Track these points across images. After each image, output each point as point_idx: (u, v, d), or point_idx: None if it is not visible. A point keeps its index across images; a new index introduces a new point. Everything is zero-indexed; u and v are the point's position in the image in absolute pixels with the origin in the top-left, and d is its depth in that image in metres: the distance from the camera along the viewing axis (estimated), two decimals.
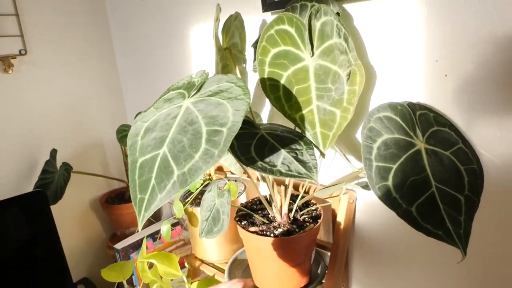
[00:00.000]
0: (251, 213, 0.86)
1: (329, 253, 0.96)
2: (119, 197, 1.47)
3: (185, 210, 1.03)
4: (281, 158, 0.67)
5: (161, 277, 0.98)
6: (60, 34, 1.33)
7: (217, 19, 0.78)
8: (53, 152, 1.26)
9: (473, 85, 0.65)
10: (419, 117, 0.63)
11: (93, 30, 1.41)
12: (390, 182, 0.57)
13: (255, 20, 0.93)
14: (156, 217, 1.53)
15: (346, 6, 0.77)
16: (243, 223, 0.84)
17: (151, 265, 0.98)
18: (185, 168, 0.51)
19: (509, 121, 0.62)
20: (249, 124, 0.70)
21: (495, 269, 0.70)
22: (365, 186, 0.79)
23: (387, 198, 0.56)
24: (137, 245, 1.29)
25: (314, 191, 0.90)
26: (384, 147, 0.59)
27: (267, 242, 0.78)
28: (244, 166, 0.77)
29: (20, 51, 1.24)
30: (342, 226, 0.84)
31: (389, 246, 0.85)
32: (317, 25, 0.66)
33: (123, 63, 1.47)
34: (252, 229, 0.82)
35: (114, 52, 1.47)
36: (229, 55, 0.80)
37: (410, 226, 0.55)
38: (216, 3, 0.75)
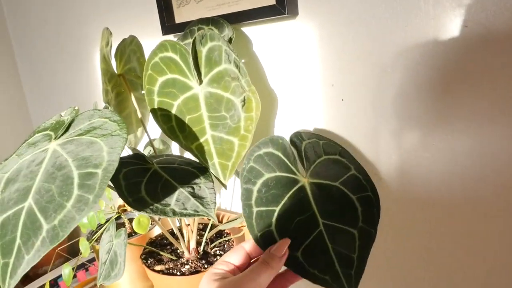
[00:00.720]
0: (155, 250, 0.80)
1: None
2: None
3: (93, 248, 0.94)
4: (176, 195, 0.62)
5: None
6: None
7: (108, 44, 0.72)
8: None
9: (368, 109, 0.64)
10: (305, 148, 0.60)
11: None
12: (273, 227, 0.53)
13: (155, 43, 0.88)
14: (74, 252, 1.41)
15: (244, 29, 0.75)
16: (149, 262, 0.78)
17: None
18: (56, 220, 0.45)
19: (403, 143, 0.62)
20: (140, 159, 0.64)
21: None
22: None
23: (270, 244, 0.52)
24: (50, 286, 1.17)
25: (227, 219, 0.86)
26: (265, 189, 0.55)
27: (173, 281, 0.73)
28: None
29: None
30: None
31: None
32: (203, 51, 0.62)
33: (29, 85, 1.35)
34: (158, 267, 0.75)
35: (19, 74, 1.35)
36: (124, 81, 0.74)
37: (296, 273, 0.51)
38: (104, 27, 0.69)
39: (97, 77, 1.10)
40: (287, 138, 0.59)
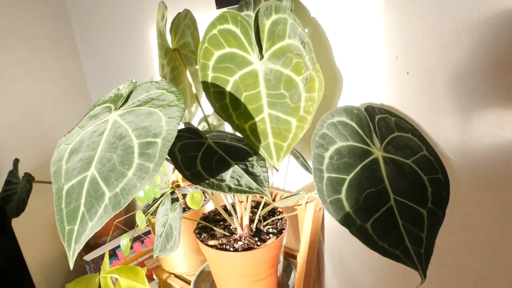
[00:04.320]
0: (209, 226, 0.80)
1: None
2: None
3: (149, 221, 0.97)
4: (230, 171, 0.61)
5: None
6: (21, 38, 1.26)
7: (163, 18, 0.72)
8: (15, 162, 1.20)
9: (435, 84, 0.59)
10: (378, 122, 0.57)
11: (55, 31, 1.34)
12: (343, 195, 0.51)
13: (209, 17, 0.87)
14: (131, 225, 1.48)
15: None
16: (202, 236, 0.79)
17: None
18: (117, 188, 0.46)
19: (475, 121, 0.56)
20: (194, 133, 0.64)
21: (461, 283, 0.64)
22: None
23: (339, 213, 0.50)
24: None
25: (280, 197, 0.85)
26: (337, 156, 0.53)
27: (227, 257, 0.73)
28: None
29: None
30: (308, 236, 0.79)
31: (361, 256, 0.79)
32: (266, 24, 0.59)
33: (88, 63, 1.40)
34: (211, 242, 0.76)
35: (79, 54, 1.40)
36: (178, 56, 0.74)
37: (364, 245, 0.49)
38: (160, 1, 0.68)
39: (152, 53, 1.11)
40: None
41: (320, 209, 0.81)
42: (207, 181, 0.58)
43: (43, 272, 1.39)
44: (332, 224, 0.82)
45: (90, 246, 1.39)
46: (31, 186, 1.16)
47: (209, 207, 0.98)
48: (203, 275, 0.93)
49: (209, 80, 0.62)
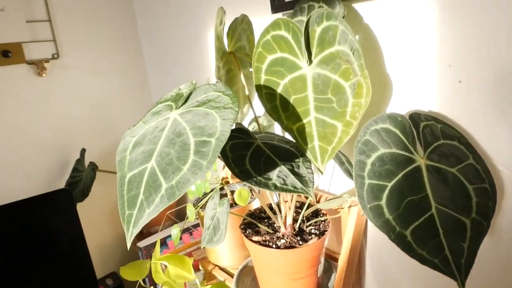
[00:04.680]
0: (255, 223, 0.84)
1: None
2: None
3: (198, 214, 1.03)
4: (277, 171, 0.64)
5: None
6: (90, 37, 1.38)
7: (221, 23, 0.76)
8: (82, 151, 1.32)
9: (488, 93, 0.58)
10: (423, 129, 0.57)
11: (121, 29, 1.45)
12: (383, 202, 0.53)
13: (264, 22, 0.90)
14: (181, 217, 1.56)
15: (356, 5, 0.72)
16: (247, 232, 0.82)
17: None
18: (173, 181, 0.51)
19: None
20: (244, 133, 0.68)
21: None
22: None
23: (378, 219, 0.52)
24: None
25: (325, 199, 0.86)
26: (379, 163, 0.54)
27: (269, 253, 0.76)
28: None
29: (53, 55, 1.30)
30: (350, 240, 0.80)
31: (402, 263, 0.79)
32: (317, 30, 0.62)
33: (150, 63, 1.50)
34: (255, 238, 0.80)
35: (142, 52, 1.51)
36: (234, 59, 0.78)
37: (403, 251, 0.50)
38: (219, 6, 0.73)
39: (209, 55, 1.17)
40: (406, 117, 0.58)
41: (363, 214, 0.82)
42: (254, 179, 0.61)
43: (100, 254, 1.51)
44: (375, 230, 0.83)
45: (143, 234, 1.49)
46: (95, 174, 1.27)
47: (255, 204, 1.02)
48: (246, 269, 0.97)
49: (262, 82, 0.66)
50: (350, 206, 0.81)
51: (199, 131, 0.52)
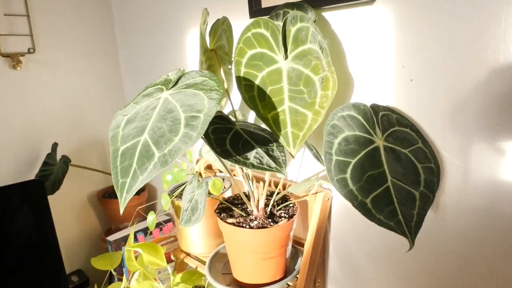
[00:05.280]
0: (230, 206, 0.90)
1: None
2: (115, 192, 1.52)
3: (172, 203, 1.08)
4: (254, 152, 0.72)
5: (147, 267, 1.02)
6: (67, 34, 1.40)
7: (205, 22, 0.84)
8: (54, 146, 1.33)
9: (434, 90, 0.69)
10: (381, 117, 0.67)
11: (99, 31, 1.48)
12: (348, 175, 0.61)
13: (242, 25, 0.99)
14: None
15: (325, 14, 0.82)
16: (222, 215, 0.89)
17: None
18: (166, 150, 0.57)
19: (467, 125, 0.66)
20: (225, 120, 0.75)
21: (450, 262, 0.73)
22: None
23: (344, 189, 0.60)
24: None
25: (287, 187, 0.94)
26: (345, 143, 0.63)
27: (243, 233, 0.83)
28: (222, 160, 0.82)
29: (28, 49, 1.32)
30: (316, 223, 0.88)
31: (363, 245, 0.88)
32: (292, 30, 0.71)
33: (125, 64, 1.54)
34: (230, 220, 0.86)
35: (118, 53, 1.55)
36: (215, 56, 0.86)
37: (364, 216, 0.59)
38: (204, 8, 0.80)
39: (186, 59, 1.24)
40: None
41: (328, 200, 0.90)
42: (234, 158, 0.68)
43: (66, 251, 1.51)
44: (338, 215, 0.91)
45: (111, 230, 1.50)
46: (68, 167, 1.28)
47: (228, 194, 1.09)
48: (218, 256, 1.03)
49: (242, 75, 0.74)
50: (316, 193, 0.90)
51: (189, 108, 0.59)
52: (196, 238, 1.08)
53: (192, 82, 0.63)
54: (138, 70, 1.49)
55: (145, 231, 1.38)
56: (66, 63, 1.41)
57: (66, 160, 1.29)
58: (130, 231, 1.36)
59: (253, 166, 0.69)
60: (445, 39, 0.66)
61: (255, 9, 0.92)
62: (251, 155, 0.71)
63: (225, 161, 1.03)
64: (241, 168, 0.90)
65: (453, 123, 0.68)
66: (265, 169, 0.70)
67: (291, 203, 0.91)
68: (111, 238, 1.31)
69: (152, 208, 1.59)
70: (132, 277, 1.06)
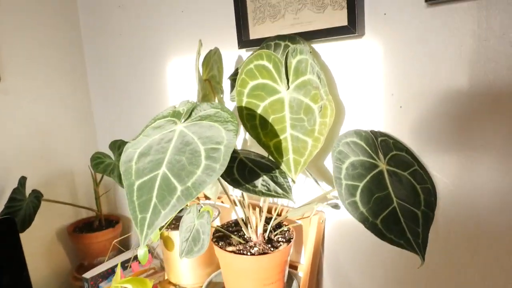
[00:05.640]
0: (228, 234, 0.90)
1: (299, 273, 1.01)
2: (87, 226, 1.45)
3: (161, 235, 1.05)
4: (260, 180, 0.73)
5: None
6: (35, 63, 1.34)
7: (199, 53, 0.85)
8: (22, 180, 1.25)
9: (423, 116, 0.75)
10: (380, 143, 0.72)
11: (68, 61, 1.44)
12: (357, 198, 0.65)
13: (231, 55, 1.01)
14: (125, 246, 1.52)
15: (315, 45, 0.87)
16: (220, 244, 0.88)
17: None
18: (189, 183, 0.56)
19: (453, 148, 0.73)
20: None
21: (447, 274, 0.78)
22: (335, 206, 0.87)
23: (355, 212, 0.64)
24: (106, 274, 1.28)
25: (286, 212, 0.96)
26: (352, 168, 0.67)
27: (244, 260, 0.83)
28: (227, 188, 0.83)
29: None
30: (313, 245, 0.91)
31: (357, 263, 0.92)
32: (293, 62, 0.74)
33: (96, 93, 1.50)
34: (230, 248, 0.86)
35: (88, 82, 1.50)
36: (209, 86, 0.87)
37: (376, 237, 0.62)
38: (198, 39, 0.82)
39: (165, 86, 1.24)
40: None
41: (322, 222, 0.93)
42: (244, 186, 0.70)
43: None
44: (331, 236, 0.95)
45: (84, 267, 1.42)
46: (40, 202, 1.21)
47: (216, 223, 1.08)
48: (211, 285, 1.01)
49: (244, 104, 0.76)
50: (310, 216, 0.92)
51: (207, 140, 0.59)
52: (186, 269, 1.06)
53: (205, 114, 0.64)
54: (110, 99, 1.45)
55: (123, 265, 1.32)
56: (33, 92, 1.34)
57: (37, 195, 1.21)
58: (106, 267, 1.30)
59: (262, 193, 0.71)
60: (429, 70, 0.73)
61: (244, 39, 0.95)
62: (259, 183, 0.72)
63: (218, 188, 1.04)
64: (241, 195, 0.91)
65: (441, 146, 0.74)
66: (273, 196, 0.71)
67: (286, 228, 0.93)
68: (88, 275, 1.24)
69: (127, 240, 1.52)
70: None
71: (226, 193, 0.83)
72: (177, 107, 0.69)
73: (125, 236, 1.49)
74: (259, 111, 0.76)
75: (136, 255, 1.36)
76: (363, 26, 0.79)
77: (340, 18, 0.79)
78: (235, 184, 0.69)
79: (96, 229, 1.40)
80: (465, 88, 0.70)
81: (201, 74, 0.87)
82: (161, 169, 0.59)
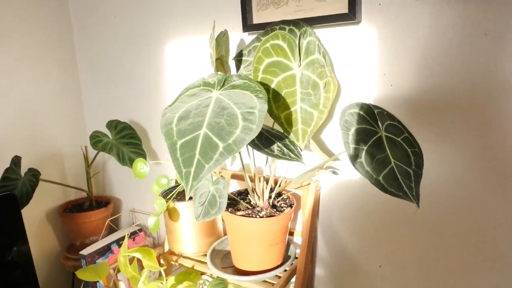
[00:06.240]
0: (238, 200, 0.99)
1: (294, 238, 1.12)
2: (76, 207, 1.47)
3: (168, 206, 1.11)
4: (276, 146, 0.83)
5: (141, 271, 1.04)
6: (22, 42, 1.34)
7: (213, 34, 0.93)
8: (16, 159, 1.25)
9: (411, 92, 0.88)
10: (377, 114, 0.84)
11: (56, 40, 1.44)
12: (363, 159, 0.76)
13: (236, 37, 1.10)
14: (117, 225, 1.55)
15: (316, 30, 0.98)
16: (229, 210, 0.97)
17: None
18: (230, 140, 0.64)
19: (435, 122, 0.86)
20: None
21: (433, 228, 0.92)
22: (334, 172, 0.98)
23: (362, 170, 0.75)
24: (103, 251, 1.31)
25: (285, 183, 1.06)
26: (357, 134, 0.78)
27: (254, 222, 0.92)
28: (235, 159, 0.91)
29: None
30: (310, 210, 1.02)
31: (349, 225, 1.04)
32: (303, 43, 0.84)
33: (85, 74, 1.51)
34: (240, 213, 0.95)
35: (77, 63, 1.51)
36: (221, 64, 0.95)
37: (377, 191, 0.74)
38: (213, 20, 0.90)
39: (163, 69, 1.29)
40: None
41: (319, 189, 1.05)
42: (263, 150, 0.79)
43: None
44: (325, 203, 1.06)
45: (74, 247, 1.44)
46: (38, 180, 1.22)
47: None
48: (214, 253, 1.09)
49: (259, 80, 0.85)
50: (308, 184, 1.03)
51: (242, 105, 0.68)
52: (189, 239, 1.13)
53: (236, 83, 0.72)
54: (101, 81, 1.47)
55: (118, 242, 1.36)
56: (21, 72, 1.34)
57: (35, 173, 1.22)
58: (101, 244, 1.33)
59: (279, 157, 0.80)
60: (418, 52, 0.86)
61: (249, 24, 1.04)
62: (274, 148, 0.82)
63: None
64: (242, 167, 0.99)
65: (425, 120, 0.88)
66: (287, 159, 0.81)
67: (286, 196, 1.03)
68: (85, 252, 1.27)
69: (118, 220, 1.56)
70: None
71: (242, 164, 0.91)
72: (206, 78, 0.76)
73: (117, 215, 1.52)
74: (273, 85, 0.85)
75: (130, 233, 1.40)
76: (360, 14, 0.91)
77: (341, 6, 0.90)
78: (257, 147, 0.78)
79: (87, 210, 1.43)
80: (447, 69, 0.84)
81: (214, 53, 0.95)
82: (202, 130, 0.66)
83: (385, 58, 0.90)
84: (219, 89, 0.72)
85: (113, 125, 1.32)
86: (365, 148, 0.78)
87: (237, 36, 1.09)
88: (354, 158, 0.76)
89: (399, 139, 0.82)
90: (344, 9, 0.90)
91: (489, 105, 0.81)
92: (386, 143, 0.80)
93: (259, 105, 0.68)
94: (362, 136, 0.79)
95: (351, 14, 0.89)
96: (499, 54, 0.78)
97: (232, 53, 1.11)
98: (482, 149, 0.83)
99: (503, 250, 0.85)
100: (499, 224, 0.84)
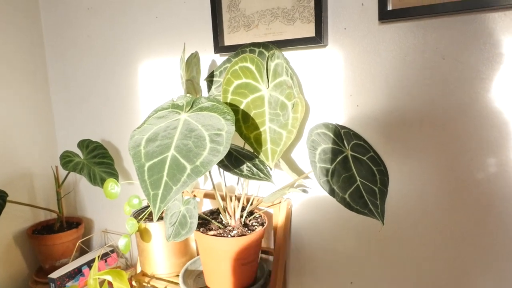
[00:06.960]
0: (210, 220, 0.99)
1: (268, 257, 1.13)
2: (46, 229, 1.43)
3: (139, 226, 1.10)
4: (245, 166, 0.84)
5: None
6: None
7: (183, 55, 0.95)
8: None
9: (376, 113, 0.92)
10: (344, 133, 0.87)
11: (28, 59, 1.42)
12: (329, 178, 0.78)
13: (208, 58, 1.12)
14: (88, 246, 1.52)
15: (285, 53, 1.01)
16: (201, 230, 0.97)
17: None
18: (198, 162, 0.65)
19: (399, 140, 0.90)
20: None
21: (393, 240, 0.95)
22: (304, 191, 1.00)
23: (328, 189, 0.77)
24: (73, 274, 1.28)
25: (257, 201, 1.08)
26: (323, 153, 0.80)
27: (226, 242, 0.92)
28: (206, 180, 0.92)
29: None
30: (283, 228, 1.03)
31: (319, 241, 1.05)
32: (271, 65, 0.87)
33: (57, 93, 1.50)
34: (211, 233, 0.95)
35: (49, 83, 1.50)
36: (191, 85, 0.97)
37: (346, 208, 0.76)
38: (183, 42, 0.91)
39: (136, 88, 1.30)
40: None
41: (290, 207, 1.06)
42: (233, 171, 0.80)
43: None
44: (296, 221, 1.07)
45: (43, 271, 1.40)
46: (5, 202, 1.19)
47: None
48: (187, 273, 1.09)
49: (228, 101, 0.86)
50: (280, 202, 1.04)
51: (210, 127, 0.69)
52: (161, 259, 1.12)
53: (204, 105, 0.74)
54: (73, 100, 1.46)
55: (89, 264, 1.33)
56: None
57: (2, 194, 1.19)
58: (71, 267, 1.30)
59: (248, 176, 0.81)
60: (382, 74, 0.90)
61: (220, 45, 1.06)
62: (244, 168, 0.83)
63: (193, 183, 1.12)
64: (213, 187, 0.99)
65: (389, 138, 0.91)
66: (257, 179, 0.83)
67: (258, 215, 1.04)
68: (54, 275, 1.24)
69: (89, 242, 1.52)
70: None
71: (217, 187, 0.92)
72: (175, 100, 0.78)
73: (88, 236, 1.49)
74: (242, 106, 0.87)
75: (101, 255, 1.37)
76: (327, 37, 0.94)
77: (308, 30, 0.94)
78: (226, 168, 0.79)
79: (58, 231, 1.39)
80: (409, 90, 0.88)
81: (184, 75, 0.96)
82: (170, 152, 0.67)
83: (351, 79, 0.94)
84: (188, 111, 0.73)
85: (85, 144, 1.31)
86: (331, 167, 0.80)
87: (209, 57, 1.11)
88: (321, 177, 0.78)
89: (364, 158, 0.85)
90: (311, 33, 0.94)
91: (448, 124, 0.85)
92: (352, 162, 0.82)
93: (227, 127, 0.69)
94: (328, 155, 0.81)
95: (318, 38, 0.92)
96: (456, 77, 0.83)
97: (204, 73, 1.13)
98: (443, 163, 0.87)
99: (469, 260, 0.88)
100: (463, 233, 0.87)
